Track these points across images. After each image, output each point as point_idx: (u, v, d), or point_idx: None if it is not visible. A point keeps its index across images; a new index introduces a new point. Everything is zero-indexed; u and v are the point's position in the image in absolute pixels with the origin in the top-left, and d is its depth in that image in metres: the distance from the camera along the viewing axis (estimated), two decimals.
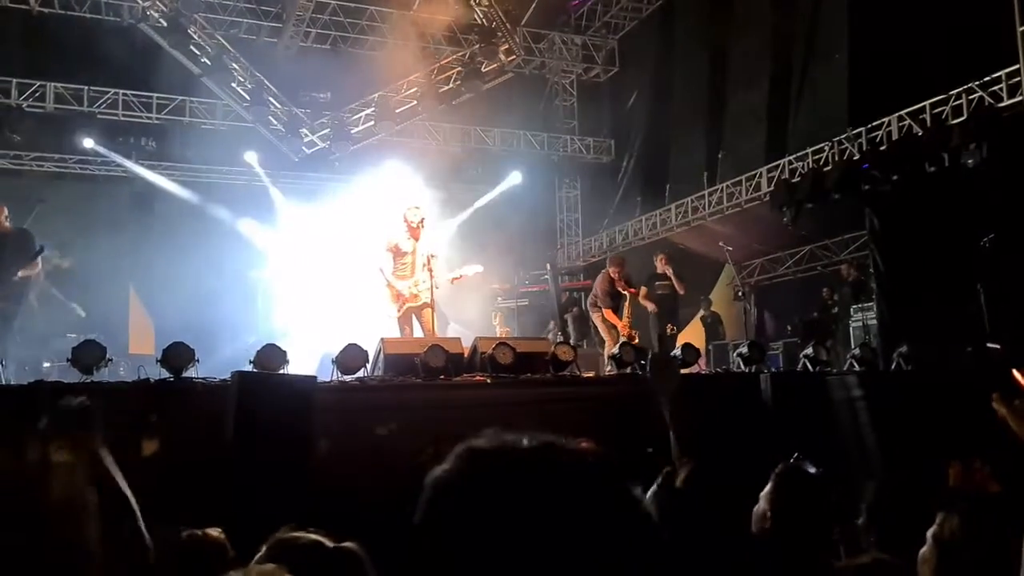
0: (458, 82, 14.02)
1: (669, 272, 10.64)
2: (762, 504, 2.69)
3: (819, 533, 2.62)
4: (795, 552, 2.54)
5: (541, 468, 0.91)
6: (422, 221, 8.08)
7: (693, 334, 12.17)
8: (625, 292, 9.83)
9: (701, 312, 12.99)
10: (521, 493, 0.88)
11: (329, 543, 2.14)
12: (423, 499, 0.92)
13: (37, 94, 12.64)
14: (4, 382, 5.69)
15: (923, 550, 2.25)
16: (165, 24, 12.09)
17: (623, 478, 0.94)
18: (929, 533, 2.25)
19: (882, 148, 9.92)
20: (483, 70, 13.86)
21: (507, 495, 0.88)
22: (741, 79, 13.32)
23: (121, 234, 13.29)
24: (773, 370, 7.99)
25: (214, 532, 2.78)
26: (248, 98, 12.98)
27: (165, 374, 5.43)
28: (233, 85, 12.83)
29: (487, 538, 0.86)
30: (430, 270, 7.80)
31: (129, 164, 13.48)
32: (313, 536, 2.16)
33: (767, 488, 2.70)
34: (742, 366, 7.17)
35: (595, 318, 10.43)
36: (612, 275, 10.18)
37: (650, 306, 10.41)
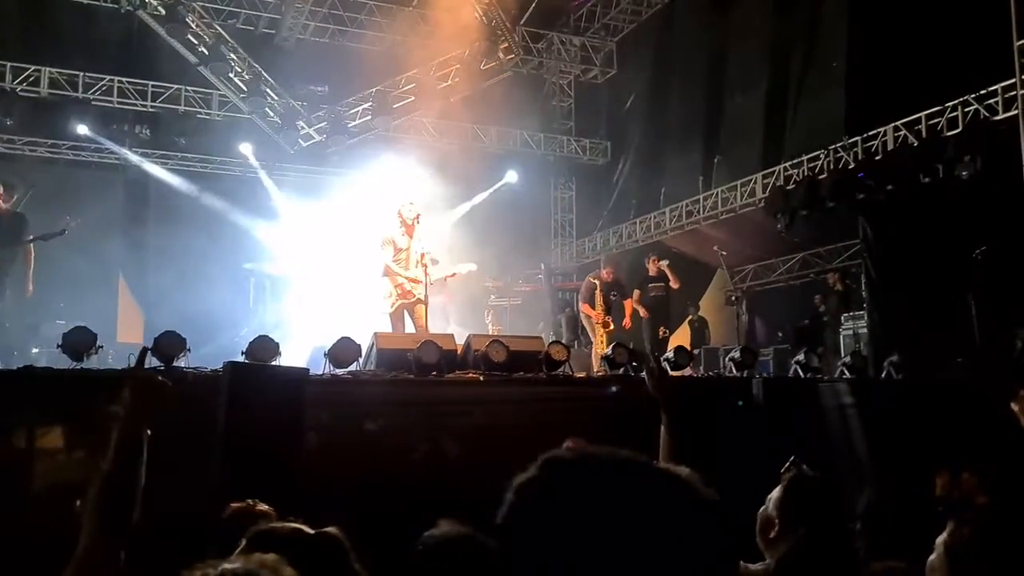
0: (456, 79, 14.01)
1: (662, 267, 10.75)
2: (769, 510, 2.64)
3: (835, 537, 2.55)
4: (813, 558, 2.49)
5: (623, 478, 0.92)
6: (417, 217, 8.13)
7: (680, 338, 12.21)
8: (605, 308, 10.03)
9: (690, 316, 13.04)
10: (603, 501, 0.89)
11: (309, 530, 2.14)
12: (506, 503, 0.94)
13: (31, 78, 12.54)
14: None
15: (932, 558, 2.24)
16: (163, 12, 12.03)
17: (705, 496, 0.95)
18: (939, 541, 2.24)
19: (877, 158, 9.96)
20: (482, 68, 13.85)
21: (589, 503, 0.90)
22: (738, 84, 13.35)
23: (113, 222, 13.23)
24: (765, 375, 8.01)
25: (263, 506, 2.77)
26: (245, 89, 12.93)
27: (156, 363, 5.39)
28: (230, 75, 12.77)
29: (567, 544, 0.88)
30: (424, 266, 7.82)
31: (123, 152, 13.41)
32: (292, 524, 2.16)
33: (775, 494, 2.66)
34: (734, 371, 7.18)
35: (582, 318, 10.57)
36: (605, 277, 10.28)
37: (642, 311, 10.53)
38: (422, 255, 7.84)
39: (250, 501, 2.77)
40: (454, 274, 8.63)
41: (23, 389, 4.80)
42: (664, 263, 10.81)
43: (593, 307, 10.15)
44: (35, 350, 9.12)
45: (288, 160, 14.26)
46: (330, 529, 2.17)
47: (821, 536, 2.48)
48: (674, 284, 10.77)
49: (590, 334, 10.48)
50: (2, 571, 3.97)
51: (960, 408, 6.47)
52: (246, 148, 13.67)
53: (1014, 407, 3.28)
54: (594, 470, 0.93)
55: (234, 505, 2.77)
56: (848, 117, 10.64)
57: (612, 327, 10.05)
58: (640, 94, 15.74)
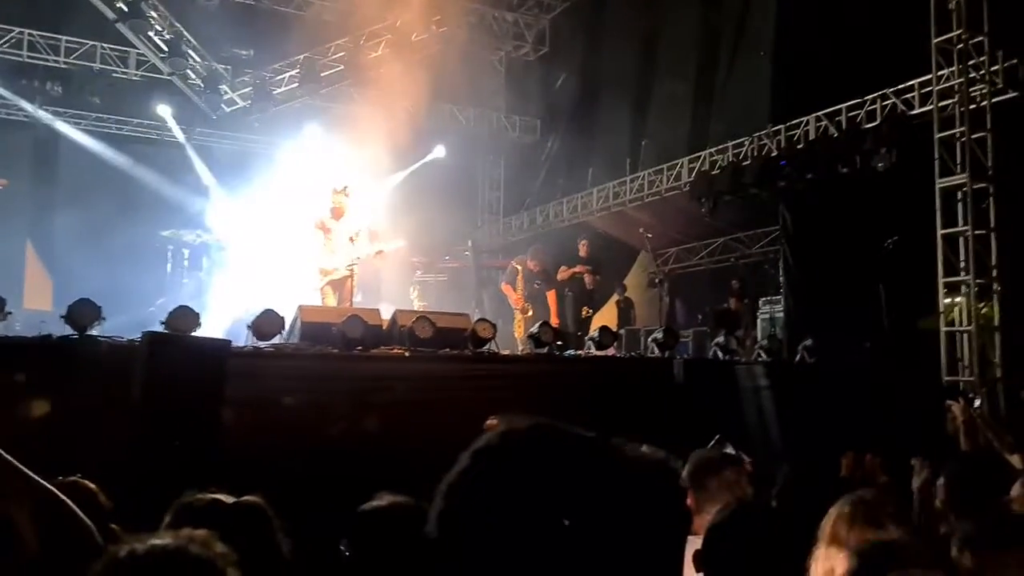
0: (387, 50, 13.77)
1: (585, 256, 10.97)
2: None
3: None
4: None
5: (541, 452, 0.90)
6: (345, 190, 8.13)
7: (606, 318, 12.38)
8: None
9: (616, 296, 13.21)
10: (526, 480, 0.87)
11: (230, 499, 2.12)
12: (438, 494, 0.91)
13: None
14: None
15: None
16: None
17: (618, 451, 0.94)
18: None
19: (799, 147, 10.23)
20: (413, 40, 13.65)
21: (513, 485, 0.88)
22: (668, 68, 13.50)
23: (20, 183, 12.63)
24: (685, 357, 8.20)
25: (85, 481, 2.68)
26: (166, 49, 12.42)
27: (68, 331, 5.19)
28: (150, 34, 12.24)
29: (499, 529, 0.86)
30: (352, 241, 7.80)
31: (31, 108, 12.77)
32: (212, 496, 2.13)
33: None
34: (656, 351, 7.33)
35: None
36: (531, 267, 10.48)
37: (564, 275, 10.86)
38: (357, 233, 7.96)
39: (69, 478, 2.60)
40: (381, 251, 8.59)
41: None
42: (585, 253, 11.15)
43: (514, 290, 10.44)
44: None
45: (210, 125, 13.83)
46: (251, 497, 2.15)
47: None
48: (588, 284, 11.02)
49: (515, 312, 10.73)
50: None
51: (866, 391, 6.76)
52: (164, 111, 13.18)
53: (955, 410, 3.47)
54: (527, 454, 0.91)
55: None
56: (773, 106, 10.89)
57: (531, 313, 10.36)
58: (571, 73, 15.76)
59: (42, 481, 1.76)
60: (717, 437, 3.10)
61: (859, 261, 9.03)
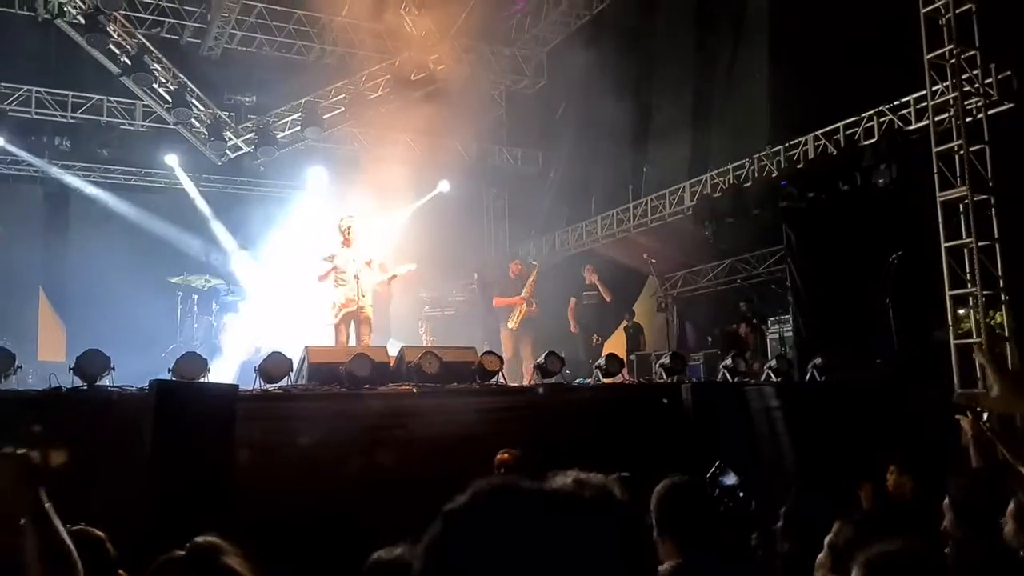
0: (387, 90, 13.95)
1: (595, 280, 11.00)
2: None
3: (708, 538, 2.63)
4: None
5: (549, 506, 0.95)
6: (349, 229, 8.23)
7: (616, 344, 12.38)
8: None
9: (624, 322, 13.21)
10: (528, 529, 0.92)
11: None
12: (433, 527, 0.95)
13: None
14: None
15: (820, 556, 2.36)
16: (83, 21, 11.68)
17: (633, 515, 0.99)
18: (826, 540, 2.36)
19: (799, 166, 10.28)
20: (412, 79, 13.82)
21: (515, 530, 0.92)
22: (665, 95, 13.60)
23: (32, 236, 12.81)
24: (694, 380, 8.19)
25: (92, 529, 2.75)
26: (170, 100, 12.64)
27: (78, 382, 5.25)
28: (154, 86, 12.48)
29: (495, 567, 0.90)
30: (356, 278, 7.89)
31: (42, 164, 12.97)
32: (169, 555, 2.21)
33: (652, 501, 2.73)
34: (664, 376, 7.33)
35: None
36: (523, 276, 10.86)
37: (572, 325, 10.97)
38: (367, 262, 8.12)
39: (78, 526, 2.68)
40: (395, 276, 8.69)
41: None
42: (595, 278, 11.19)
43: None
44: None
45: (215, 171, 14.00)
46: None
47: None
48: (606, 296, 11.08)
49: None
50: None
51: (878, 409, 6.73)
52: (172, 159, 13.37)
53: (964, 424, 3.45)
54: (516, 505, 0.96)
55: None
56: (771, 127, 10.96)
57: (535, 307, 11.12)
58: (570, 104, 15.89)
59: (56, 524, 1.82)
60: (718, 463, 3.09)
61: (865, 277, 9.02)
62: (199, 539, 2.17)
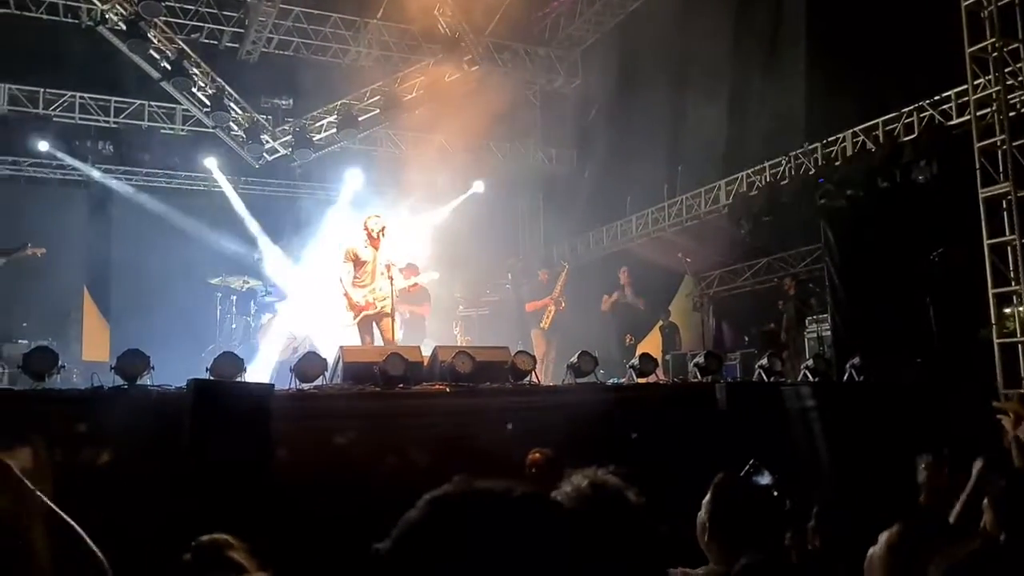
0: (421, 91, 14.03)
1: (627, 284, 11.00)
2: (701, 514, 2.71)
3: (760, 539, 2.62)
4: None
5: (502, 513, 0.97)
6: (383, 230, 8.17)
7: (652, 343, 12.32)
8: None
9: (660, 322, 13.14)
10: (483, 537, 0.94)
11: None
12: (394, 534, 0.98)
13: None
14: None
15: (874, 549, 2.30)
16: (124, 27, 11.93)
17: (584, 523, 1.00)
18: (883, 536, 2.29)
19: (837, 163, 10.14)
20: (447, 80, 13.89)
21: (469, 540, 0.94)
22: (700, 92, 13.48)
23: (77, 238, 13.09)
24: (729, 380, 8.11)
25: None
26: (209, 104, 12.86)
27: (119, 381, 5.36)
28: (193, 90, 12.70)
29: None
30: (390, 278, 7.85)
31: (85, 168, 13.26)
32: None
33: (706, 498, 2.72)
34: (699, 376, 7.27)
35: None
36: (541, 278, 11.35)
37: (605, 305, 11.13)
38: (388, 266, 7.87)
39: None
40: (416, 284, 8.67)
41: None
42: (629, 287, 11.33)
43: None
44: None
45: (254, 174, 14.20)
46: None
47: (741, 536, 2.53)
48: (637, 304, 11.12)
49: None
50: None
51: (918, 409, 6.61)
52: (211, 162, 13.58)
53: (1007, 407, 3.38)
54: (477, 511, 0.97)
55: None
56: (808, 123, 10.82)
57: (564, 306, 11.40)
58: (605, 103, 15.83)
59: (58, 510, 1.85)
60: (752, 462, 3.06)
61: (905, 275, 8.87)
62: (204, 537, 2.20)
